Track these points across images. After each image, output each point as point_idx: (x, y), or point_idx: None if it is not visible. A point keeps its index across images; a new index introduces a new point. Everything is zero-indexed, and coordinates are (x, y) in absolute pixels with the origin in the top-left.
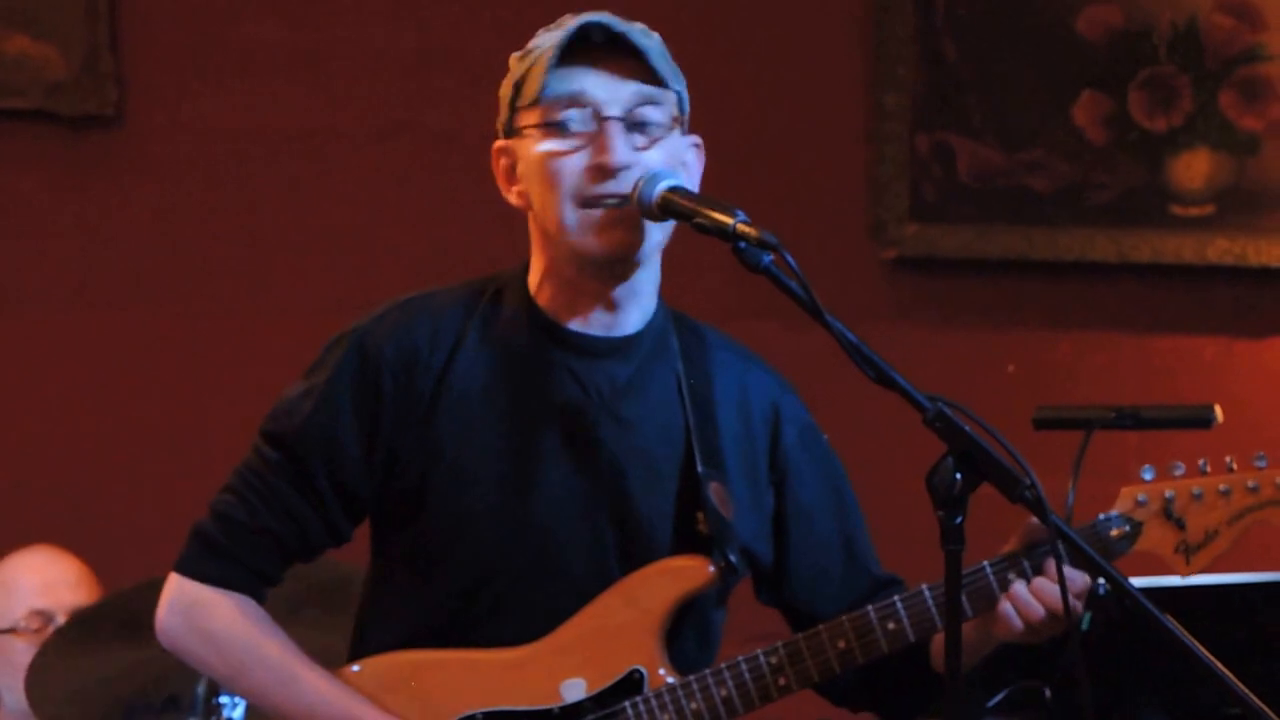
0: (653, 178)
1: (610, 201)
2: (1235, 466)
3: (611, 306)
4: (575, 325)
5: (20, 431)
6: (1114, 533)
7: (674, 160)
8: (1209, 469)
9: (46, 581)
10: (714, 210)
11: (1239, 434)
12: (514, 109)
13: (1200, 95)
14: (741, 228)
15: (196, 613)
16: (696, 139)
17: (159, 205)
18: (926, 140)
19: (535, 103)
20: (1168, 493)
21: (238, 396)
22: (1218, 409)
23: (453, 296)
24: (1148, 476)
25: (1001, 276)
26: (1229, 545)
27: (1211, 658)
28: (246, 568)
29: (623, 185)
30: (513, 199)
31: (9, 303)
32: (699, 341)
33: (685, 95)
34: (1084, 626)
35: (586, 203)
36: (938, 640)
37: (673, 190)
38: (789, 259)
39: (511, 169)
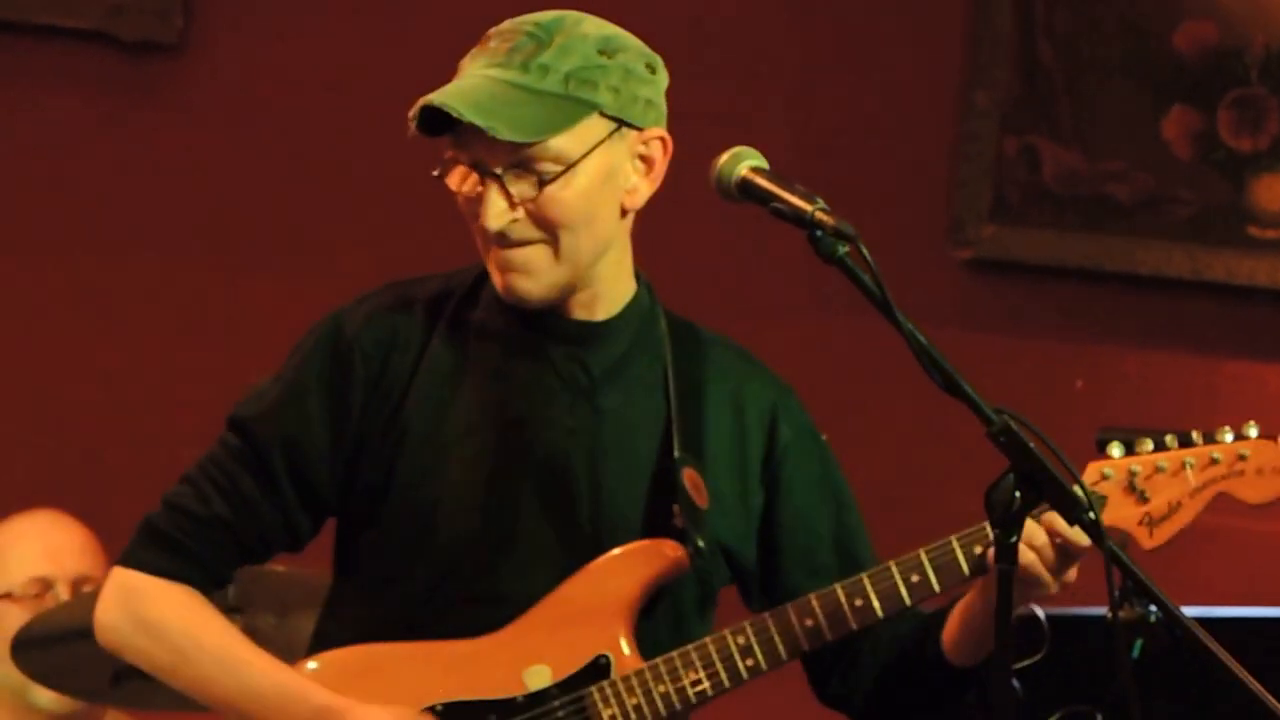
0: (736, 155)
1: (506, 253)
2: (1199, 440)
3: (574, 303)
4: (555, 311)
5: (35, 383)
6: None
7: (604, 173)
8: (1175, 443)
9: (49, 548)
10: (794, 195)
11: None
12: None
13: None
14: (820, 215)
15: (134, 602)
16: (660, 132)
17: (213, 145)
18: (1015, 142)
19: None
20: (1133, 467)
21: (277, 356)
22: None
23: (434, 283)
24: (1116, 453)
25: (1075, 285)
26: (1192, 517)
27: (1261, 688)
28: (193, 560)
29: (522, 231)
30: None
31: (39, 239)
32: (692, 336)
33: (622, 92)
34: (1135, 653)
35: (490, 247)
36: (949, 631)
37: (755, 170)
38: (864, 252)
39: None
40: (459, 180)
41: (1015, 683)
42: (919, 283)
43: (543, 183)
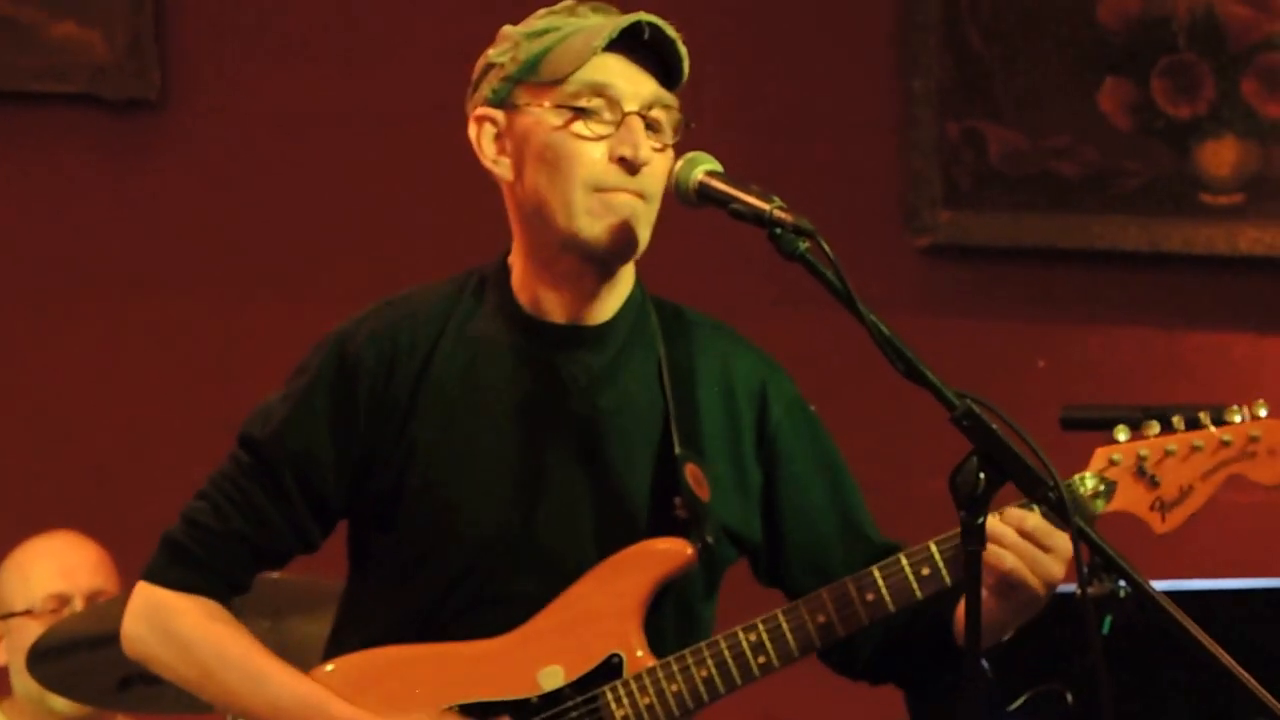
0: (691, 160)
1: (623, 197)
2: (1208, 422)
3: (591, 294)
4: (552, 315)
5: (47, 419)
6: (1086, 492)
7: (665, 174)
8: (1182, 426)
9: (66, 566)
10: (751, 195)
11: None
12: (516, 81)
13: (1222, 83)
14: (778, 213)
15: (161, 616)
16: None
17: (202, 190)
18: (956, 127)
19: (555, 82)
20: (1141, 451)
21: (276, 386)
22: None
23: (434, 295)
24: (1122, 437)
25: (1034, 265)
26: (1205, 501)
27: (1232, 662)
28: (213, 572)
29: (640, 183)
30: (496, 169)
31: (49, 287)
32: (680, 322)
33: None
34: (1105, 629)
35: (601, 189)
36: (958, 614)
37: (711, 174)
38: (825, 246)
39: (498, 138)
40: (596, 115)
41: (984, 663)
42: (879, 272)
43: (663, 145)
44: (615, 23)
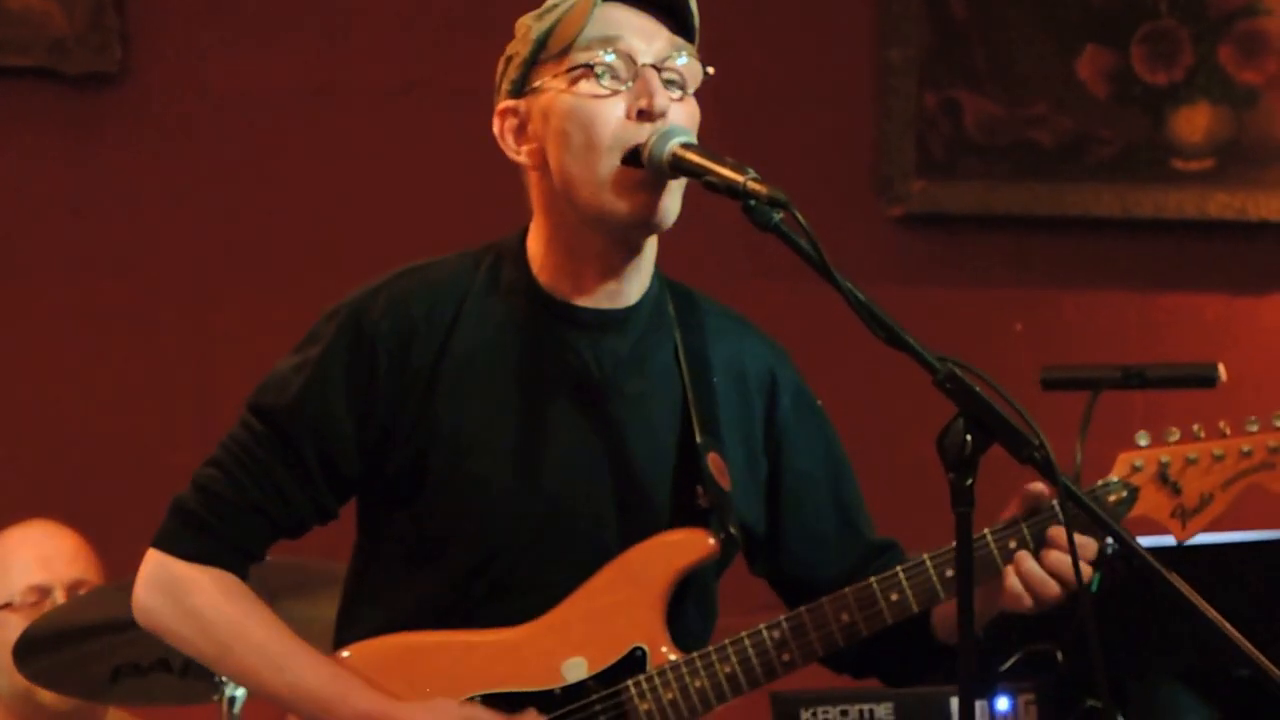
0: (664, 134)
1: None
2: (1228, 431)
3: (616, 277)
4: (577, 299)
5: (16, 403)
6: (1111, 498)
7: (692, 120)
8: (1203, 434)
9: (43, 556)
10: (725, 168)
11: (1240, 391)
12: (532, 64)
13: (1200, 49)
14: (752, 185)
15: (178, 590)
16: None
17: (162, 166)
18: (934, 96)
19: (565, 51)
20: (1163, 458)
21: (242, 367)
22: (1221, 368)
23: (450, 268)
24: (1143, 442)
25: (1007, 233)
26: (1224, 509)
27: (1219, 617)
28: (229, 543)
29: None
30: (521, 158)
31: (5, 267)
32: (693, 308)
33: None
34: (1094, 588)
35: (627, 156)
36: (939, 609)
37: (685, 146)
38: (799, 217)
39: (521, 128)
40: (608, 72)
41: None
42: (854, 242)
43: (683, 95)
44: None
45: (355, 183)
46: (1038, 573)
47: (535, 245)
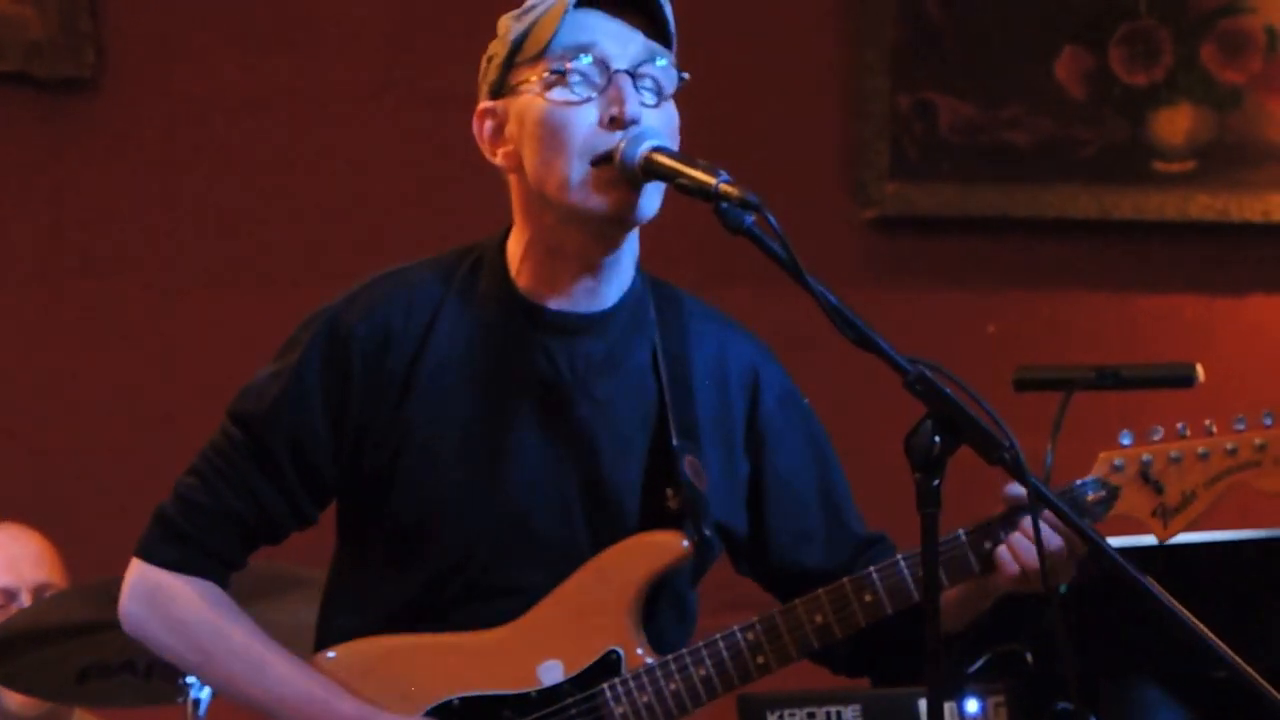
0: (636, 137)
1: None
2: (1214, 430)
3: (595, 277)
4: (553, 301)
5: None
6: (1090, 497)
7: (669, 126)
8: (1187, 432)
9: (9, 559)
10: (697, 170)
11: (1220, 392)
12: (509, 66)
13: (1181, 49)
14: (724, 188)
15: (160, 599)
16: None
17: (138, 172)
18: (907, 98)
19: (540, 55)
20: (1145, 456)
21: (216, 373)
22: (1199, 368)
23: (427, 272)
24: (1125, 441)
25: (983, 235)
26: (1206, 508)
27: (1191, 618)
28: (209, 552)
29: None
30: (498, 160)
31: None
32: (677, 309)
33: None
34: (1063, 588)
35: (596, 160)
36: (942, 598)
37: (656, 150)
38: (771, 219)
39: (498, 130)
40: (580, 78)
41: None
42: (827, 245)
43: (659, 100)
44: None
45: (330, 187)
46: (1002, 553)
47: (515, 247)
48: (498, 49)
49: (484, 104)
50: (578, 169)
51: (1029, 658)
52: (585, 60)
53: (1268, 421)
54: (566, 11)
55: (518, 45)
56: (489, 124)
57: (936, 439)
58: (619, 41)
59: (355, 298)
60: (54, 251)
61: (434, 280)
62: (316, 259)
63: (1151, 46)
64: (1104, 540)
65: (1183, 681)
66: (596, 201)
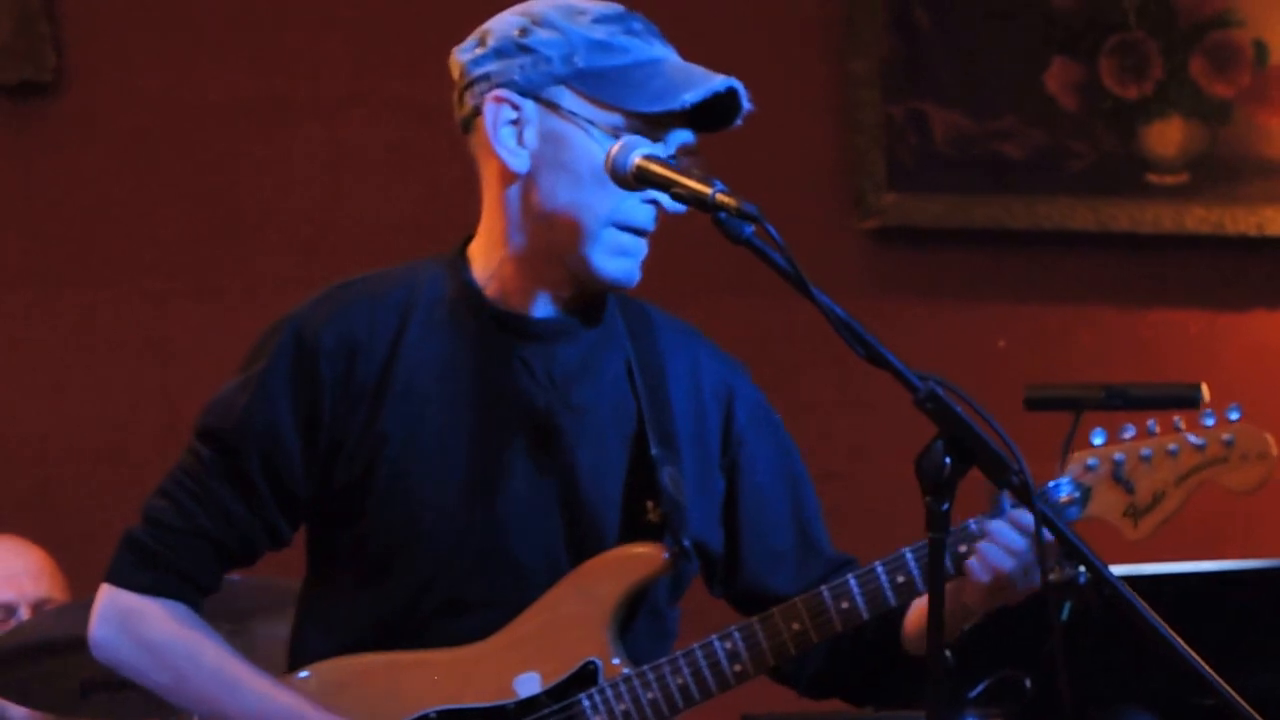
0: (625, 145)
1: (641, 241)
2: (1184, 426)
3: (567, 297)
4: (523, 309)
5: None
6: (1063, 499)
7: None
8: (1158, 430)
9: (9, 573)
10: (691, 180)
11: (1223, 408)
12: (563, 80)
13: (1170, 62)
14: (721, 198)
15: (130, 622)
16: None
17: (100, 177)
18: (900, 108)
19: (615, 107)
20: (1117, 455)
21: (186, 379)
22: (1205, 388)
23: (392, 281)
24: (1098, 440)
25: (982, 247)
26: (1177, 506)
27: (1186, 647)
28: (180, 574)
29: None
30: (508, 158)
31: None
32: (645, 322)
33: None
34: (1063, 615)
35: (624, 226)
36: (909, 621)
37: (648, 158)
38: (771, 230)
39: (517, 125)
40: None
41: (947, 652)
42: (828, 256)
43: None
44: (707, 83)
45: (295, 193)
46: (972, 564)
47: (483, 253)
48: (549, 53)
49: (507, 94)
50: (606, 228)
51: (1028, 684)
52: (643, 149)
53: (1234, 415)
54: (678, 106)
55: (590, 79)
56: (507, 113)
57: (947, 461)
58: (680, 146)
59: (319, 305)
60: (17, 256)
61: (399, 289)
62: (284, 264)
63: (1141, 59)
64: (1104, 565)
65: (1176, 709)
66: (609, 266)
